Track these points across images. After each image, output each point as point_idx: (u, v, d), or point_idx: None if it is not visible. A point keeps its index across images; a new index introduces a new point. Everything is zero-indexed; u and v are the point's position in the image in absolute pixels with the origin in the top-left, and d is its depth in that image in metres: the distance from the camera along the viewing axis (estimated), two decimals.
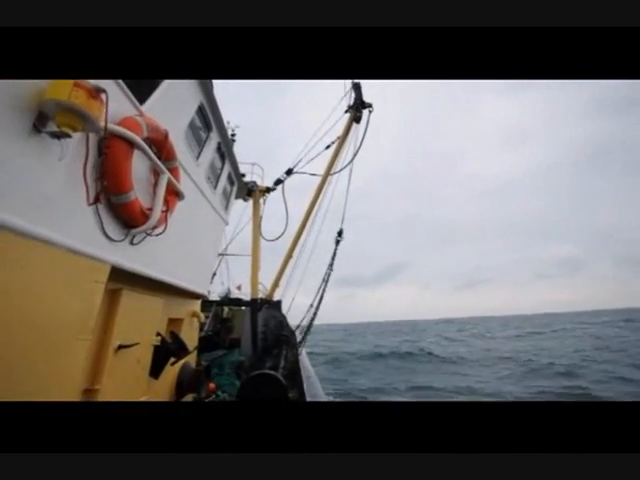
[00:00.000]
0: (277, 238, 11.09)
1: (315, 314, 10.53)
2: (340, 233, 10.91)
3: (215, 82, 5.42)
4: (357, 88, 10.31)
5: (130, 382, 3.78)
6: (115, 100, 2.92)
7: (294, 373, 8.84)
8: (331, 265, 10.63)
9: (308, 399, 6.80)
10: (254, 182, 10.91)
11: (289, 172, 11.27)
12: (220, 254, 11.71)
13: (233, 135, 9.24)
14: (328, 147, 10.92)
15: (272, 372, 7.02)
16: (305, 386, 7.67)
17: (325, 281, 10.51)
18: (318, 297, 10.48)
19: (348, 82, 10.53)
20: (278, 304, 11.70)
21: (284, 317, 11.36)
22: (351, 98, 10.40)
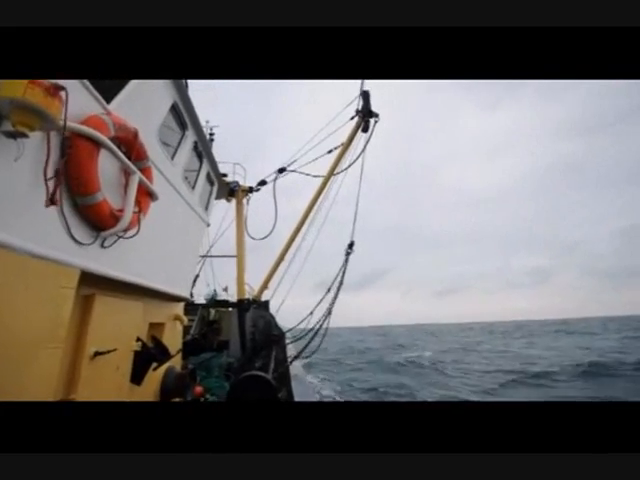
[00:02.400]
0: (265, 237, 10.97)
1: (316, 333, 9.73)
2: (351, 245, 10.28)
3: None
4: (365, 96, 10.04)
5: (110, 390, 3.68)
6: (79, 98, 2.81)
7: (283, 374, 8.78)
8: (341, 281, 9.95)
9: (296, 399, 6.76)
10: (236, 182, 10.77)
11: (281, 170, 11.05)
12: (203, 256, 11.53)
13: (211, 135, 9.10)
14: (330, 152, 10.67)
15: (261, 373, 6.97)
16: (294, 386, 7.63)
17: (335, 296, 9.81)
18: (324, 315, 9.74)
19: (350, 85, 10.31)
20: (266, 304, 11.57)
21: (273, 317, 11.25)
22: (359, 104, 10.14)
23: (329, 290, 9.91)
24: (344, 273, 10.04)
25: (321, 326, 9.75)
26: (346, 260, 10.17)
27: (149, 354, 4.43)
